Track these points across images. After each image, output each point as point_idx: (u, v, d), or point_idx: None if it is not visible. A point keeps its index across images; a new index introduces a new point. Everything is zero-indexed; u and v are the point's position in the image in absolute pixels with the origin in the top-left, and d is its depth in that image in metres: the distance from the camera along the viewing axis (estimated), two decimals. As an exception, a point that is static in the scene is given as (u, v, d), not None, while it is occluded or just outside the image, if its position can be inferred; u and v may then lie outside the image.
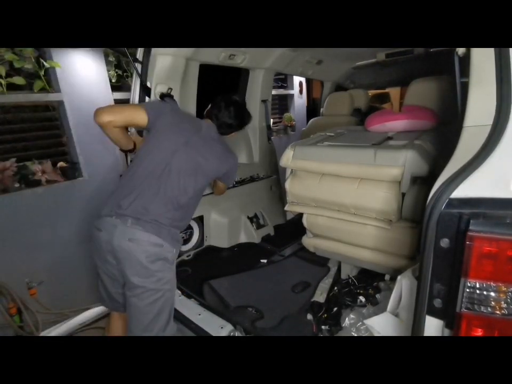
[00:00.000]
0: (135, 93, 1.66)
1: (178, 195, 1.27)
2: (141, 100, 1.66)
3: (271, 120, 2.98)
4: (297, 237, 2.01)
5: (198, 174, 1.33)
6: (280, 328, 1.43)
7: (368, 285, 1.59)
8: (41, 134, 2.16)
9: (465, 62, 0.78)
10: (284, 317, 1.49)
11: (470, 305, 0.64)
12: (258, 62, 2.30)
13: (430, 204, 0.68)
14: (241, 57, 2.10)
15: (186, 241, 2.19)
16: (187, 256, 2.14)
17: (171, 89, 1.73)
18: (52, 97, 2.08)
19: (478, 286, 0.63)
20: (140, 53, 1.60)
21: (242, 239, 2.37)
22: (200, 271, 1.96)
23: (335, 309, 1.50)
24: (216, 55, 1.97)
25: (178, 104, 1.82)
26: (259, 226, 2.45)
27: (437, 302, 0.70)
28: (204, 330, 1.42)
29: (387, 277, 1.55)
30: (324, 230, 1.58)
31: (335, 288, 1.67)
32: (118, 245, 1.17)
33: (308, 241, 1.72)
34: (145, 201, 1.22)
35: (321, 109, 3.08)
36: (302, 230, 1.73)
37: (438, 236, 0.67)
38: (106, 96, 2.31)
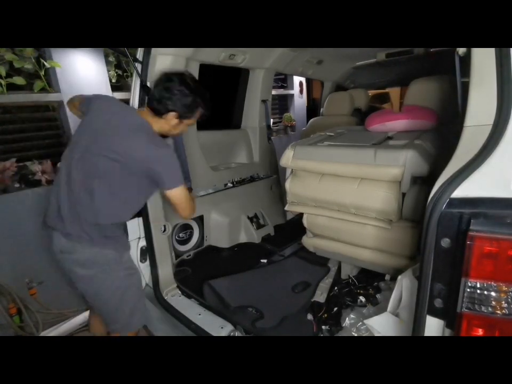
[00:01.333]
0: (135, 93, 1.65)
1: None
2: (141, 99, 1.66)
3: (271, 120, 2.98)
4: (297, 237, 2.01)
5: None
6: (280, 328, 1.43)
7: (369, 284, 1.59)
8: (41, 134, 2.16)
9: (466, 62, 0.78)
10: (283, 317, 1.49)
11: (471, 305, 0.64)
12: (258, 62, 2.30)
13: (431, 203, 0.68)
14: (241, 57, 2.10)
15: (186, 241, 2.19)
16: (187, 256, 2.13)
17: None
18: (52, 97, 2.09)
19: (478, 285, 0.63)
20: (139, 53, 1.60)
21: (242, 239, 2.36)
22: (200, 271, 1.95)
23: (335, 309, 1.50)
24: (216, 55, 1.97)
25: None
26: (259, 226, 2.45)
27: (438, 302, 0.70)
28: (204, 330, 1.42)
29: (387, 277, 1.55)
30: (324, 230, 1.58)
31: (335, 288, 1.66)
32: None
33: (308, 241, 1.72)
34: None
35: (321, 109, 3.08)
36: (302, 230, 1.73)
37: (438, 236, 0.67)
38: (106, 96, 2.31)
